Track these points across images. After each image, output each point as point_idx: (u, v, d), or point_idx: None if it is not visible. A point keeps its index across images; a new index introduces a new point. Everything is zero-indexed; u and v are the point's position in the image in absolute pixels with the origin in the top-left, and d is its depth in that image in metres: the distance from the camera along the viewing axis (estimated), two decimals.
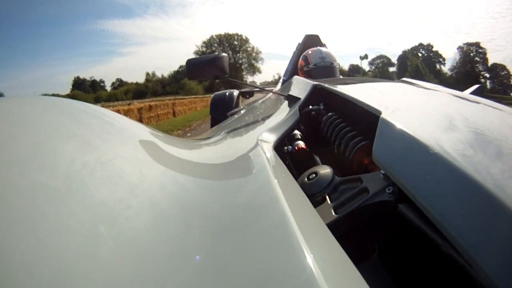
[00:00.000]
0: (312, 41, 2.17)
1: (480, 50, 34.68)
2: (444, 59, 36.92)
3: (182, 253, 0.21)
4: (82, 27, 76.44)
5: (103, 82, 41.58)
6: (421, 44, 37.79)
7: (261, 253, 0.21)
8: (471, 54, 34.26)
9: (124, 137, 0.37)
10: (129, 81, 41.28)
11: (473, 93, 2.00)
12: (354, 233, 0.40)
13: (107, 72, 67.23)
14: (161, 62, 74.82)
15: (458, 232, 0.26)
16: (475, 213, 0.27)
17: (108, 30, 76.15)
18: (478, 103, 0.63)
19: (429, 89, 0.80)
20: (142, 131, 0.44)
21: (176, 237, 0.23)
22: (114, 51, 76.67)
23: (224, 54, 0.95)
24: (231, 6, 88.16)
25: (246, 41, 39.08)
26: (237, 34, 39.13)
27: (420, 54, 37.34)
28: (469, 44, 35.03)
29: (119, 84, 40.99)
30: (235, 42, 38.81)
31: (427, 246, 0.34)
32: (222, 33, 39.36)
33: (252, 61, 39.44)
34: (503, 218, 0.25)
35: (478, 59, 34.38)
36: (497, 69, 33.62)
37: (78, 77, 41.24)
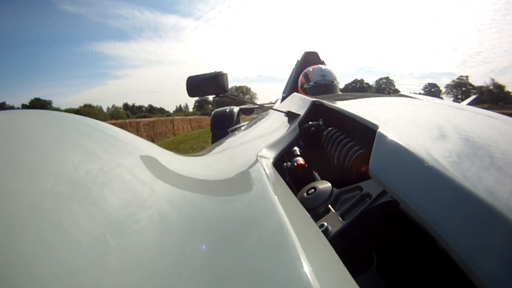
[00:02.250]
0: (311, 58, 2.20)
1: (389, 81, 56.74)
2: (370, 87, 57.98)
3: (185, 265, 0.22)
4: (77, 48, 77.95)
5: (144, 107, 56.79)
6: (355, 79, 59.51)
7: (262, 267, 0.22)
8: (383, 85, 55.73)
9: (128, 151, 0.38)
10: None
11: (471, 103, 2.03)
12: (359, 240, 0.39)
13: (102, 95, 69.16)
14: (154, 85, 79.07)
15: (455, 244, 0.26)
16: (472, 227, 0.27)
17: (103, 53, 78.30)
18: (475, 113, 0.64)
19: (426, 101, 0.83)
20: (146, 147, 0.45)
21: (181, 250, 0.24)
22: (109, 74, 78.68)
23: (225, 72, 0.93)
24: (224, 29, 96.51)
25: (249, 89, 61.61)
26: (244, 86, 61.63)
27: (357, 86, 58.46)
28: (381, 78, 57.24)
29: (150, 108, 56.72)
30: (244, 90, 60.30)
31: (427, 256, 0.33)
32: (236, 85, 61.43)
33: (251, 99, 62.77)
34: (502, 229, 0.25)
35: (388, 87, 55.82)
36: (430, 87, 51.68)
37: (126, 103, 53.98)
